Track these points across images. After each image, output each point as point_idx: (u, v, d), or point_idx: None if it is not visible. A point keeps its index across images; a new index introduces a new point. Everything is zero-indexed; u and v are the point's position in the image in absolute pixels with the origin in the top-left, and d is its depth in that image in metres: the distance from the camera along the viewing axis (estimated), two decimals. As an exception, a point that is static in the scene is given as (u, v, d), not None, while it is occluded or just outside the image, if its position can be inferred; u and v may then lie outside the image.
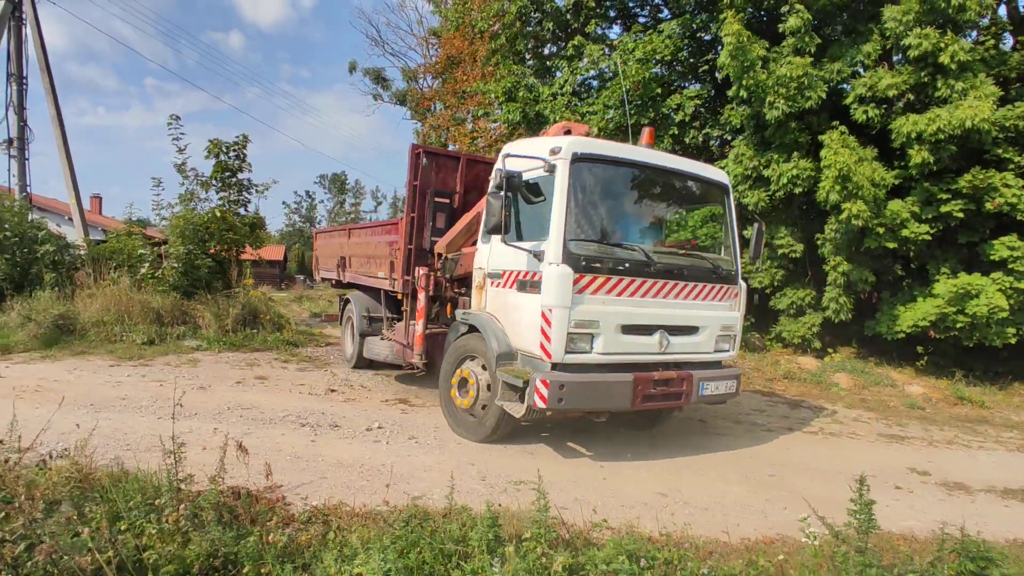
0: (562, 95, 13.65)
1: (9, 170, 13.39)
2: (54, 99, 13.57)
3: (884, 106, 10.69)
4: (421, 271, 6.98)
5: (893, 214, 10.06)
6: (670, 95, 13.05)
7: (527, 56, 15.89)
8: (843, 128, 10.42)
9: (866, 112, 10.49)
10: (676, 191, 6.27)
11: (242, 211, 14.53)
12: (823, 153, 10.09)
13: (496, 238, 5.44)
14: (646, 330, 5.39)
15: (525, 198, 5.53)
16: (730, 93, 11.32)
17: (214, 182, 14.09)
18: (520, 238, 5.46)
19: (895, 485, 5.47)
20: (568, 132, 6.14)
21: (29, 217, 12.25)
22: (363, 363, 9.29)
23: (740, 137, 12.24)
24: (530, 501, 4.40)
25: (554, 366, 5.04)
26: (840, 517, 3.18)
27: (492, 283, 5.86)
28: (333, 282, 11.42)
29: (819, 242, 11.18)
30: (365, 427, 6.05)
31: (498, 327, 5.61)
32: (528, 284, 5.26)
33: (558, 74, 14.56)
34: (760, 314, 13.41)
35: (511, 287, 5.53)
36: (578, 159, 5.17)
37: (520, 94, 13.56)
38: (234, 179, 14.43)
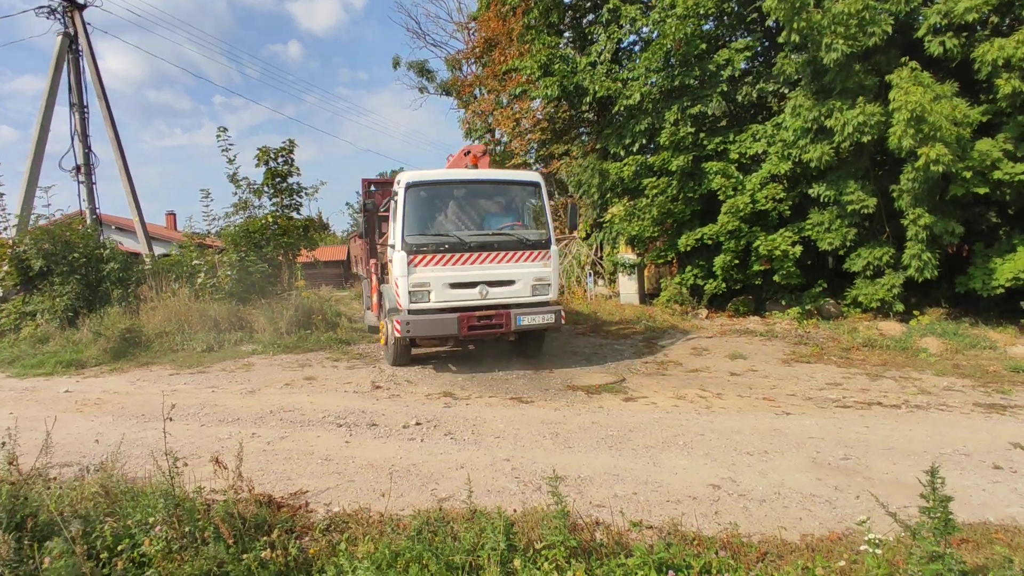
0: (601, 63, 13.02)
1: (79, 195, 14.19)
2: (112, 124, 14.25)
3: (964, 34, 9.48)
4: (372, 262, 10.61)
5: (982, 155, 8.92)
6: (717, 51, 12.16)
7: (563, 28, 15.29)
8: (914, 64, 9.32)
9: (942, 43, 9.34)
10: (500, 192, 9.07)
11: (295, 215, 14.88)
12: (892, 94, 9.06)
13: (389, 239, 8.60)
14: (470, 285, 8.20)
15: (392, 212, 8.61)
16: (781, 39, 10.38)
17: (266, 189, 14.44)
18: (393, 237, 8.38)
19: (994, 464, 4.74)
20: (468, 154, 9.62)
21: (100, 238, 12.98)
22: (371, 330, 11.54)
23: (797, 88, 11.24)
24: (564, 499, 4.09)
25: (408, 311, 8.09)
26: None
27: (389, 265, 8.77)
28: (358, 277, 15.31)
29: (895, 194, 10.13)
30: (402, 424, 5.88)
31: (389, 293, 8.71)
32: (391, 264, 8.38)
33: (597, 41, 13.91)
34: (834, 278, 12.40)
35: (391, 266, 8.49)
36: (411, 186, 8.26)
37: (556, 67, 13.05)
38: (284, 184, 14.75)
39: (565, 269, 18.56)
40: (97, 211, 14.38)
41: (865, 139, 9.79)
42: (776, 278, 11.91)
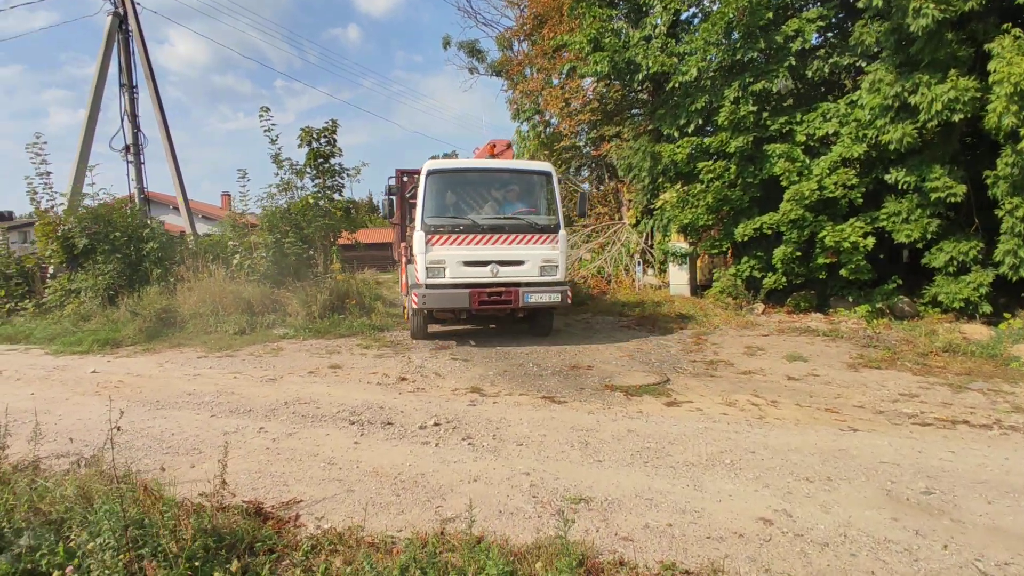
0: (656, 38, 12.12)
1: (128, 175, 14.36)
2: (159, 105, 14.35)
3: (1080, -5, 8.19)
4: (402, 245, 11.13)
5: (1098, 136, 7.69)
6: (785, 21, 11.07)
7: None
8: (1018, 32, 8.10)
9: (1054, 6, 8.08)
10: (513, 180, 9.74)
11: (336, 196, 14.69)
12: (992, 65, 7.91)
13: (415, 220, 9.15)
14: (482, 264, 8.96)
15: (413, 195, 9.52)
16: (861, 4, 9.27)
17: (308, 170, 14.28)
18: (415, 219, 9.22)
19: (1121, 510, 3.88)
20: (493, 147, 10.95)
21: (147, 217, 13.11)
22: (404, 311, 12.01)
23: (877, 61, 10.08)
24: (585, 528, 3.52)
25: (426, 286, 8.86)
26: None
27: (413, 246, 9.42)
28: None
29: (989, 181, 8.94)
30: (419, 424, 5.42)
31: (413, 271, 9.37)
32: (413, 242, 9.22)
33: (652, 13, 12.98)
34: (909, 274, 11.23)
35: (413, 247, 9.26)
36: (431, 173, 9.13)
37: (607, 41, 12.23)
38: (327, 165, 14.55)
39: (613, 257, 17.79)
40: (145, 190, 14.57)
41: (956, 118, 8.65)
42: (843, 272, 10.86)
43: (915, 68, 9.21)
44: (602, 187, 19.58)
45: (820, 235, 10.54)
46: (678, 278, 15.56)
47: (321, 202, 14.28)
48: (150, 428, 5.23)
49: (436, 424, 5.44)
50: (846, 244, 10.26)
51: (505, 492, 3.98)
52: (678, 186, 12.67)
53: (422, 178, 9.07)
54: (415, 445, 4.90)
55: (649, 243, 18.17)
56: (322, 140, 14.37)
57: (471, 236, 9.00)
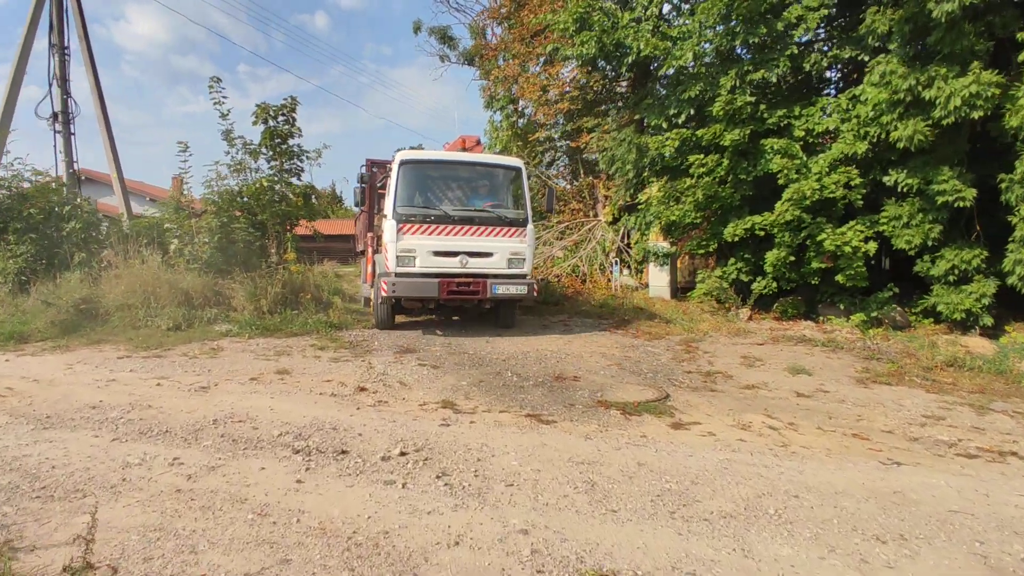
0: (646, 19, 11.24)
1: (56, 146, 12.72)
2: (92, 68, 12.75)
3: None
4: (369, 235, 10.96)
5: None
6: (785, 8, 10.34)
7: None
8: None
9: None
10: (485, 174, 9.83)
11: (294, 180, 13.40)
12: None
13: (386, 209, 9.15)
14: (451, 254, 8.98)
15: (383, 185, 9.61)
16: (874, -12, 8.57)
17: (263, 150, 12.97)
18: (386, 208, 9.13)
19: None
20: (464, 142, 10.76)
21: (76, 194, 11.56)
22: (367, 303, 12.03)
23: (883, 54, 9.43)
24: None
25: (395, 274, 8.82)
26: None
27: (381, 235, 9.50)
28: (359, 254, 14.97)
29: (1003, 185, 8.37)
30: (382, 454, 4.36)
31: (382, 260, 9.26)
32: (383, 231, 9.16)
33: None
34: (906, 282, 10.67)
35: (382, 236, 9.20)
36: (404, 163, 9.12)
37: (595, 19, 11.27)
38: (284, 146, 13.26)
39: (588, 256, 16.94)
40: (75, 164, 12.94)
41: (976, 115, 8.03)
42: (839, 279, 10.21)
43: (929, 60, 8.57)
44: (577, 182, 18.70)
45: (818, 238, 9.85)
46: (658, 279, 14.82)
47: (277, 186, 12.99)
48: (26, 458, 4.02)
49: (403, 453, 4.38)
50: (847, 248, 9.60)
51: (499, 564, 2.96)
52: (664, 181, 11.86)
53: (395, 167, 9.09)
54: (376, 485, 3.83)
55: (626, 242, 17.39)
56: (279, 118, 13.10)
57: (442, 226, 9.07)
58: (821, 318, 11.25)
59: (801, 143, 10.13)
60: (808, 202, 9.66)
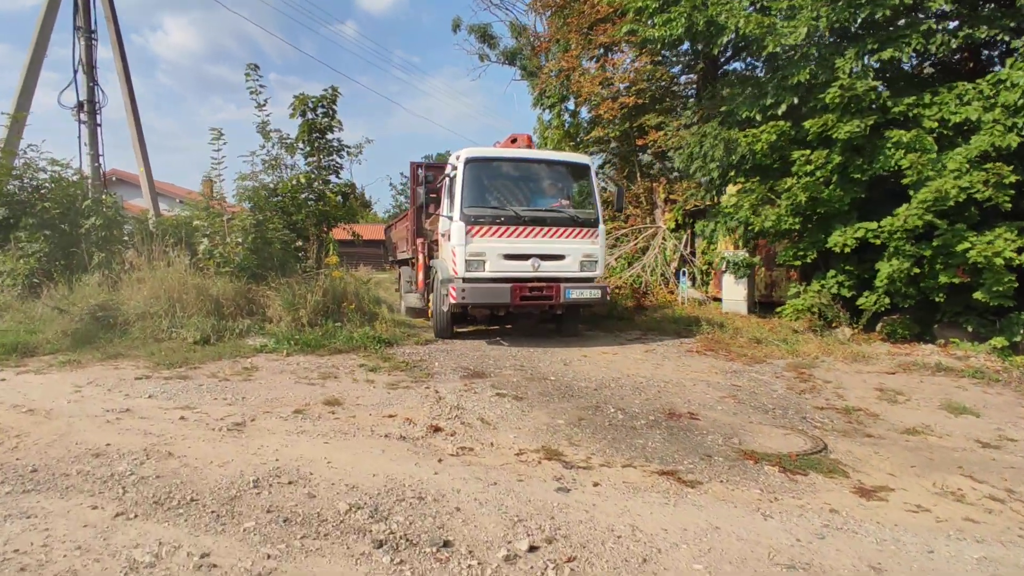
0: (742, -5, 9.81)
1: (80, 137, 11.68)
2: (121, 54, 11.75)
3: None
4: (420, 241, 10.71)
5: None
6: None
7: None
8: None
9: None
10: (552, 172, 9.49)
11: (333, 178, 12.25)
12: None
13: (444, 212, 9.14)
14: (522, 257, 8.63)
15: (448, 187, 9.04)
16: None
17: (300, 145, 11.85)
18: (449, 210, 8.87)
19: None
20: (515, 140, 10.34)
21: (100, 191, 10.50)
22: (411, 313, 12.02)
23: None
24: None
25: (463, 280, 8.44)
26: None
27: (442, 240, 9.30)
28: (393, 262, 15.64)
29: None
30: (503, 549, 2.95)
31: (443, 265, 9.07)
32: (448, 236, 8.83)
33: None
34: None
35: (446, 240, 9.01)
36: (470, 161, 8.75)
37: (684, -9, 9.84)
38: (323, 140, 12.13)
39: (649, 265, 15.47)
40: (101, 157, 11.89)
41: None
42: (978, 296, 8.61)
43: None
44: (633, 186, 17.26)
45: (958, 248, 8.26)
46: (733, 292, 13.29)
47: (315, 183, 11.83)
48: (-14, 549, 2.71)
49: (532, 548, 2.98)
50: (997, 260, 8.00)
51: None
52: (755, 181, 10.37)
53: (460, 166, 8.61)
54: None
55: (690, 250, 15.89)
56: (319, 111, 11.96)
57: (512, 228, 8.61)
58: (941, 341, 9.63)
59: (934, 135, 8.57)
60: (948, 204, 8.09)
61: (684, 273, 14.31)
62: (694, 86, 15.89)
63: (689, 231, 16.12)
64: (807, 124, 9.26)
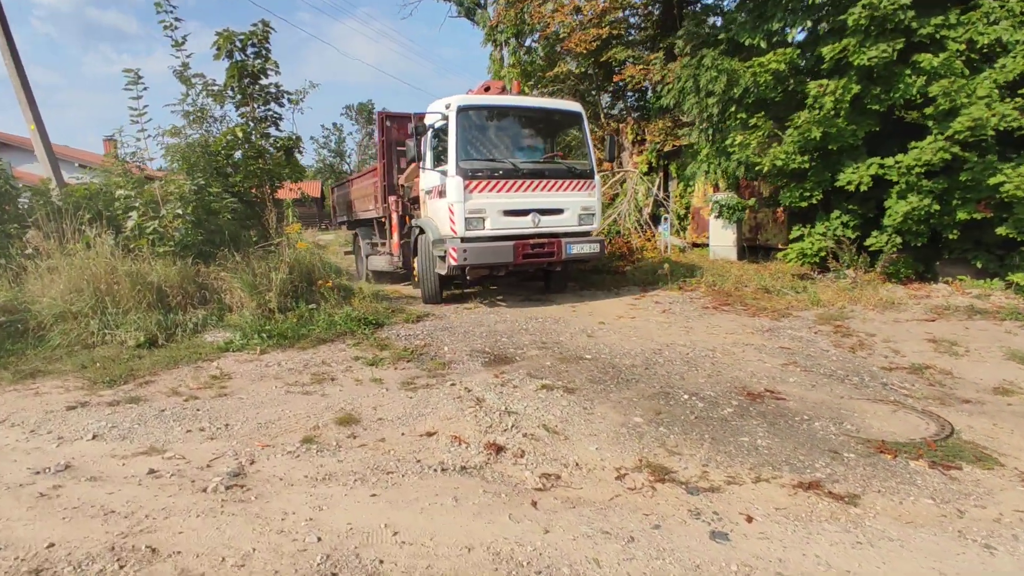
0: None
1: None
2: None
3: None
4: (392, 199, 10.05)
5: None
6: None
7: None
8: None
9: None
10: (543, 120, 8.96)
11: (272, 131, 10.43)
12: None
13: (427, 166, 8.40)
14: (522, 213, 8.08)
15: (437, 137, 8.23)
16: None
17: (230, 92, 9.94)
18: (437, 165, 8.19)
19: None
20: (487, 89, 9.34)
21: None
22: (375, 278, 11.17)
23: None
24: None
25: (462, 239, 7.81)
26: None
27: (428, 197, 8.71)
28: (347, 223, 14.28)
29: None
30: None
31: (433, 224, 8.38)
32: (442, 192, 8.04)
33: None
34: None
35: (436, 197, 8.30)
36: (462, 109, 7.96)
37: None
38: (256, 86, 10.23)
39: (623, 213, 14.58)
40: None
41: None
42: (1001, 231, 8.21)
43: None
44: (597, 128, 16.12)
45: (990, 181, 7.74)
46: (722, 238, 12.64)
47: (253, 137, 10.01)
48: None
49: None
50: (1021, 192, 7.54)
51: None
52: (761, 117, 9.48)
53: (452, 115, 7.89)
54: None
55: (665, 194, 15.10)
56: (248, 51, 9.99)
57: (510, 182, 8.03)
58: (947, 279, 9.31)
59: (963, 59, 7.90)
60: (987, 134, 7.50)
61: (665, 220, 13.51)
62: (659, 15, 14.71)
63: (662, 173, 15.27)
64: (824, 50, 8.38)
